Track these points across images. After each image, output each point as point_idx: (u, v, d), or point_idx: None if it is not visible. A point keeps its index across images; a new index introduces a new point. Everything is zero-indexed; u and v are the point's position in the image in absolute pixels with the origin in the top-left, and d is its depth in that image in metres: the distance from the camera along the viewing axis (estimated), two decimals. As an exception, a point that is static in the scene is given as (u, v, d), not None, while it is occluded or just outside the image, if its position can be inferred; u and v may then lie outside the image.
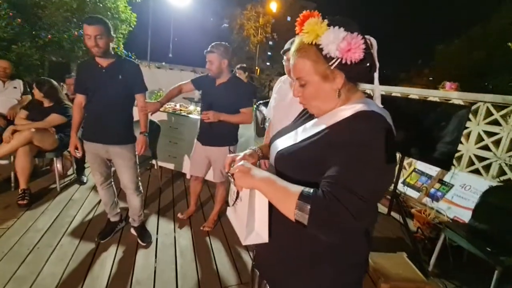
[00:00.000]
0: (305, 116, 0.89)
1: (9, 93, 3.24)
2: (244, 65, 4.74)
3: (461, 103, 2.91)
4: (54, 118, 2.74)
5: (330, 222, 0.60)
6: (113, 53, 1.89)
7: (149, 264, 1.87)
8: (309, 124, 0.79)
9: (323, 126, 0.72)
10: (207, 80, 2.22)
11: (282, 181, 0.68)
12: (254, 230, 0.70)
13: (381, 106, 0.74)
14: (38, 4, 3.86)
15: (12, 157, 2.62)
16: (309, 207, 0.60)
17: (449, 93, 3.11)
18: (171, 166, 3.50)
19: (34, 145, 2.59)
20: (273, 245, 0.79)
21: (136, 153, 2.01)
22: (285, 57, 1.69)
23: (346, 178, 0.61)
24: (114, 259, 1.87)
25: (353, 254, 0.75)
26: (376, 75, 0.74)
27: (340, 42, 0.65)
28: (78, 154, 1.99)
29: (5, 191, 2.61)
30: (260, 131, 3.55)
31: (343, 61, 0.66)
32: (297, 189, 0.64)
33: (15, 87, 3.32)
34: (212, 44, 2.07)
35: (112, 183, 2.13)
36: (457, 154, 2.84)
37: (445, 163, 2.11)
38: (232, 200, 0.81)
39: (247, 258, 2.03)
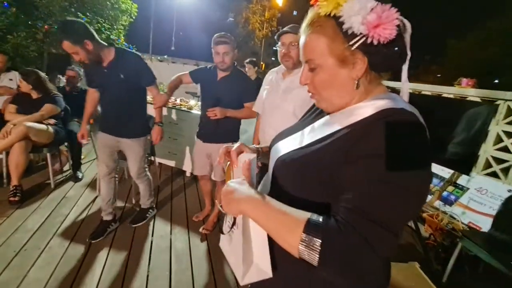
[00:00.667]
0: (315, 113, 0.73)
1: (4, 85, 3.13)
2: (254, 59, 4.57)
3: (479, 100, 2.72)
4: (49, 108, 2.62)
5: (348, 262, 0.45)
6: (106, 44, 1.77)
7: (142, 270, 1.75)
8: (318, 123, 0.64)
9: (336, 127, 0.57)
10: (208, 74, 2.07)
11: (279, 204, 0.52)
12: (252, 262, 0.55)
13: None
14: (34, -7, 3.74)
15: (4, 152, 2.51)
16: (319, 242, 0.45)
17: (465, 90, 2.91)
18: (171, 163, 3.37)
19: (30, 140, 2.48)
20: (279, 275, 0.65)
21: (153, 142, 2.05)
22: (279, 42, 1.52)
23: (371, 204, 0.46)
24: (105, 264, 1.76)
25: (369, 285, 0.60)
26: (405, 67, 0.57)
27: (368, 14, 0.49)
28: (84, 141, 2.10)
29: (-3, 187, 2.52)
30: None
31: (369, 40, 0.50)
32: (301, 216, 0.49)
33: (10, 79, 3.21)
34: (220, 34, 1.89)
35: (116, 177, 2.10)
36: (473, 156, 2.66)
37: (464, 167, 1.94)
38: (228, 226, 0.66)
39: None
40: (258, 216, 0.52)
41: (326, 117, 0.64)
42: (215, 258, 1.94)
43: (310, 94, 0.63)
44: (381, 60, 0.54)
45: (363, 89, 0.57)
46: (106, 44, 1.76)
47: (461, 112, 2.05)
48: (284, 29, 1.50)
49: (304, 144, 0.61)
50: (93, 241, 1.94)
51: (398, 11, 0.50)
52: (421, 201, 0.50)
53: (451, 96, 2.94)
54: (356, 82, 0.55)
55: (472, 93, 2.78)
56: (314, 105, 0.79)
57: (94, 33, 1.67)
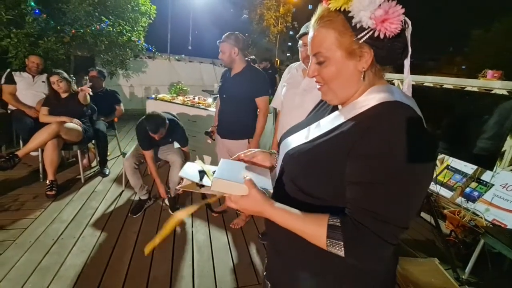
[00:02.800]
0: (321, 109, 0.77)
1: (38, 87, 3.34)
2: (253, 56, 4.55)
3: (505, 93, 2.60)
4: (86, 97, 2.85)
5: (367, 254, 0.55)
6: (164, 130, 2.29)
7: (166, 260, 1.86)
8: (324, 119, 0.67)
9: (339, 121, 0.61)
10: (224, 74, 2.23)
11: (292, 209, 0.61)
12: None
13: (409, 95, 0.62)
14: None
15: (40, 149, 2.72)
16: (342, 244, 0.54)
17: (491, 82, 2.79)
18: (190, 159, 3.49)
19: (61, 138, 2.66)
20: (287, 262, 0.71)
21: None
22: (300, 42, 1.53)
23: (379, 204, 0.52)
24: (133, 253, 1.89)
25: (380, 270, 0.65)
26: (407, 62, 0.61)
27: (375, 10, 0.53)
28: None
29: (35, 182, 2.73)
30: (280, 124, 3.42)
31: (376, 34, 0.54)
32: (319, 221, 0.57)
33: (43, 81, 3.42)
34: (226, 34, 2.04)
35: (138, 169, 2.47)
36: (498, 151, 2.56)
37: (487, 162, 1.89)
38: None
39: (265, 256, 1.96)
40: (282, 224, 0.61)
41: (333, 113, 0.67)
42: (235, 249, 2.02)
43: (318, 86, 0.66)
44: (386, 53, 0.57)
45: (367, 82, 0.60)
46: (167, 123, 2.34)
47: (486, 106, 1.98)
48: (304, 30, 1.49)
49: (310, 138, 0.65)
50: (134, 216, 2.34)
51: (403, 8, 0.54)
52: (424, 192, 0.55)
53: (475, 89, 2.83)
54: (363, 73, 0.59)
55: (498, 86, 2.67)
56: (320, 101, 0.82)
57: (166, 123, 2.29)
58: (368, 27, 0.54)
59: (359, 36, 0.55)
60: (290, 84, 1.69)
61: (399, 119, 0.52)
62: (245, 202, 0.61)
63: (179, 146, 2.57)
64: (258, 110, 2.16)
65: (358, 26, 0.55)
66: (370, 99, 0.58)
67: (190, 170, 0.74)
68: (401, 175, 0.50)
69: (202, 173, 0.71)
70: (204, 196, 0.73)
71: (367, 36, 0.55)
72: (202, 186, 0.69)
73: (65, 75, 2.82)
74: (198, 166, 0.76)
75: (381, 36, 0.54)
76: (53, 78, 2.74)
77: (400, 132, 0.51)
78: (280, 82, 1.83)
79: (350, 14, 0.55)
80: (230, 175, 0.65)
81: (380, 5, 0.53)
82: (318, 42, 0.60)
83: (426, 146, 0.52)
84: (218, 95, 2.32)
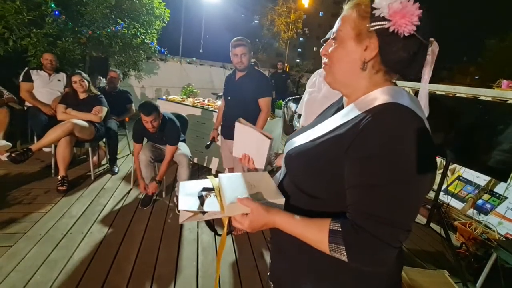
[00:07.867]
0: (327, 110, 0.78)
1: (53, 85, 3.44)
2: (254, 60, 4.60)
3: (521, 104, 2.54)
4: (104, 110, 2.93)
5: (369, 257, 0.54)
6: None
7: (171, 259, 1.87)
8: (327, 120, 0.67)
9: (339, 122, 0.61)
10: (229, 78, 2.29)
11: (293, 218, 0.61)
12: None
13: (425, 106, 0.61)
14: (80, 2, 4.09)
15: (53, 146, 2.79)
16: (344, 248, 0.54)
17: (505, 93, 2.74)
18: (197, 160, 3.52)
19: (74, 136, 2.73)
20: (289, 262, 0.71)
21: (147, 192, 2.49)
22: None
23: (376, 207, 0.52)
24: (139, 251, 1.90)
25: (382, 276, 0.64)
26: (426, 76, 0.60)
27: (394, 2, 0.53)
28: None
29: (47, 177, 2.80)
30: (288, 128, 3.43)
31: (387, 25, 0.54)
32: (322, 227, 0.56)
33: (59, 80, 3.53)
34: (237, 38, 2.09)
35: (154, 164, 2.57)
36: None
37: (501, 173, 1.84)
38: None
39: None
40: (287, 230, 0.61)
41: (335, 114, 0.67)
42: (240, 253, 2.02)
43: (324, 65, 0.67)
44: (392, 54, 0.57)
45: (369, 80, 0.60)
46: (160, 111, 2.38)
47: (499, 116, 1.94)
48: (330, 35, 1.51)
49: (310, 139, 0.66)
50: (145, 208, 2.44)
51: (420, 8, 0.54)
52: (423, 192, 0.54)
53: (489, 99, 2.77)
54: (363, 64, 0.59)
55: (513, 96, 2.61)
56: (330, 105, 0.83)
57: (159, 111, 2.32)
58: (383, 16, 0.55)
59: (372, 24, 0.56)
60: (313, 89, 1.72)
61: (395, 120, 0.52)
62: (250, 219, 0.63)
63: (184, 151, 2.57)
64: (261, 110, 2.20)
65: (376, 14, 0.56)
66: (371, 100, 0.58)
67: (189, 196, 0.71)
68: (398, 176, 0.50)
69: (201, 198, 0.70)
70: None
71: (378, 26, 0.55)
72: (205, 212, 0.68)
73: (85, 75, 2.92)
74: (197, 186, 0.74)
75: (390, 29, 0.54)
76: (76, 78, 2.82)
77: (395, 133, 0.51)
78: (306, 88, 1.87)
79: (374, 4, 0.56)
80: (235, 193, 0.66)
81: (401, 1, 0.54)
82: (343, 21, 0.61)
83: (424, 147, 0.51)
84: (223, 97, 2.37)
